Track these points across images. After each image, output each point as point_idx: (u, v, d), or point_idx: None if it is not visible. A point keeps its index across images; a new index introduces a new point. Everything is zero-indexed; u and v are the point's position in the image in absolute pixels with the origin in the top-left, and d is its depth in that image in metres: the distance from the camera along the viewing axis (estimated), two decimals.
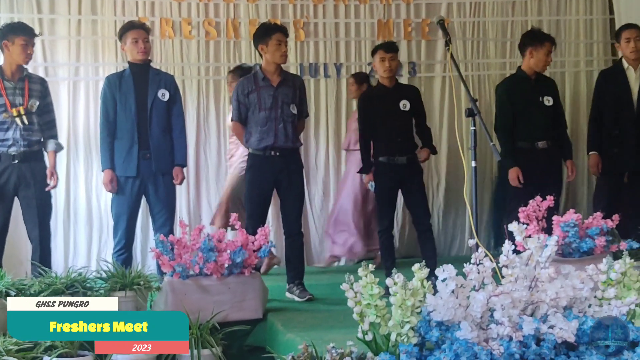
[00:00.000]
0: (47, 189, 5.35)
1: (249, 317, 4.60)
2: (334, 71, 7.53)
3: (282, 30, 5.43)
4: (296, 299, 5.24)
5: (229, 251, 4.56)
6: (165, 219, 5.33)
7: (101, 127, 5.38)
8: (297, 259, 5.35)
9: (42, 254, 5.30)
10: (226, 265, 4.54)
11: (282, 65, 5.44)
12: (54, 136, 5.49)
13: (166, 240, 4.53)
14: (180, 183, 5.51)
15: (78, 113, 6.90)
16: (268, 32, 5.35)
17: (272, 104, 5.30)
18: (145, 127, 5.28)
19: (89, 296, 4.46)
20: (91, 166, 6.81)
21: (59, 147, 5.57)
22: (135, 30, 5.39)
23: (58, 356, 4.01)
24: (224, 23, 7.30)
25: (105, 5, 7.05)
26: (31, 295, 4.38)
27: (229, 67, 7.14)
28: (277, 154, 5.31)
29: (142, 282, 4.49)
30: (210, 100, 7.23)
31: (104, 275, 4.63)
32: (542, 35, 5.89)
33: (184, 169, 5.63)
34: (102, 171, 5.35)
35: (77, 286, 4.42)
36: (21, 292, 4.37)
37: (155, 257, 4.55)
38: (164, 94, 5.35)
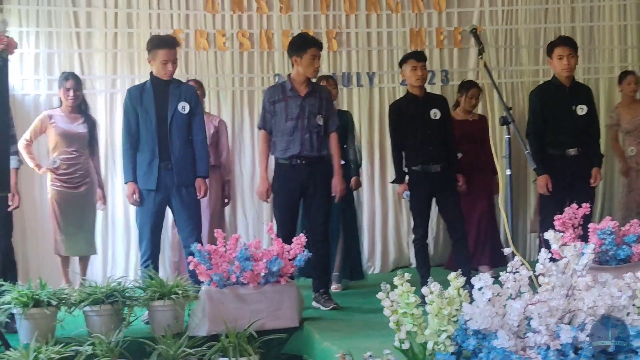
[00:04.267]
0: (9, 209, 5.16)
1: (285, 326, 4.62)
2: (366, 80, 7.56)
3: (318, 45, 5.45)
4: (321, 308, 5.25)
5: (265, 260, 4.58)
6: (191, 230, 5.27)
7: (123, 140, 5.34)
8: (322, 267, 5.34)
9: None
10: (262, 274, 4.57)
11: None
12: (15, 153, 5.22)
13: (203, 249, 4.56)
14: (204, 195, 5.41)
15: (115, 125, 7.00)
16: (304, 46, 5.37)
17: (299, 114, 5.33)
18: (166, 140, 5.24)
19: (128, 305, 4.55)
20: None
21: (19, 164, 5.40)
22: (167, 50, 5.25)
23: None
24: (258, 34, 7.38)
25: (141, 18, 7.17)
26: (72, 304, 4.47)
27: (263, 78, 7.21)
28: (303, 162, 5.33)
29: (180, 291, 4.53)
30: (244, 110, 7.31)
31: (142, 284, 4.67)
32: (552, 42, 5.87)
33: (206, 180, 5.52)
34: (125, 184, 5.34)
35: (116, 295, 4.48)
36: (62, 301, 4.45)
37: (192, 266, 4.57)
38: (184, 107, 5.30)
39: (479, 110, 7.62)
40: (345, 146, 6.14)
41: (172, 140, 5.25)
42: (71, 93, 6.06)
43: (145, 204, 5.25)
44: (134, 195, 5.24)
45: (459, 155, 5.99)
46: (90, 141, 6.23)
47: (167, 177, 5.24)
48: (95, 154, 6.32)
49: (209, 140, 5.90)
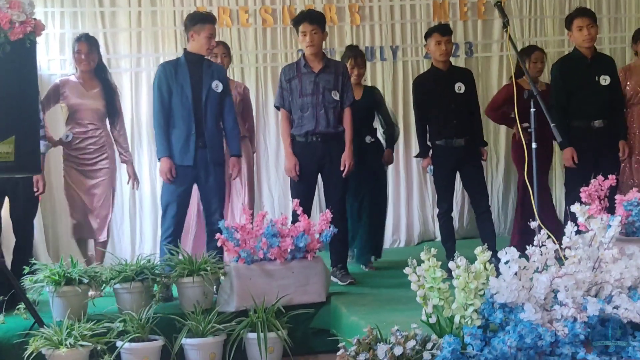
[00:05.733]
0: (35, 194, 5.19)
1: (312, 301, 4.66)
2: (390, 54, 7.53)
3: (307, 19, 5.37)
4: (339, 282, 5.27)
5: (292, 236, 4.62)
6: (216, 207, 5.25)
7: (156, 115, 5.22)
8: (340, 242, 5.30)
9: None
10: (289, 250, 4.61)
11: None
12: (43, 137, 5.14)
13: (231, 226, 4.60)
14: (238, 174, 5.40)
15: (140, 103, 7.05)
16: (296, 24, 5.42)
17: (313, 90, 5.33)
18: (200, 117, 5.20)
19: (158, 283, 4.61)
20: (154, 154, 6.91)
21: (47, 148, 5.42)
22: (212, 25, 5.26)
23: (130, 341, 4.16)
24: (280, 10, 7.36)
25: None
26: (103, 282, 4.54)
27: (286, 54, 7.20)
28: (319, 139, 5.33)
29: (209, 268, 4.57)
30: (268, 87, 7.31)
31: (171, 262, 4.72)
32: (570, 15, 5.79)
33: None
34: (159, 159, 5.25)
35: (146, 273, 4.55)
36: (93, 279, 4.52)
37: (220, 243, 4.62)
38: (217, 85, 5.27)
39: (504, 81, 7.60)
40: (373, 124, 6.09)
41: (207, 117, 5.22)
42: (84, 57, 5.50)
43: (179, 180, 5.17)
44: (170, 171, 5.13)
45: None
46: (109, 111, 5.62)
47: (201, 154, 5.19)
48: (117, 124, 5.70)
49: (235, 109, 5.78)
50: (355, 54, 6.06)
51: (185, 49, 5.35)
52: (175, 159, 5.17)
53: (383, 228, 6.39)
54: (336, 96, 5.36)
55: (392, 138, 6.22)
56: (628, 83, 6.23)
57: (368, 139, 5.96)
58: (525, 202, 5.69)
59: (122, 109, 5.86)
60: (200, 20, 5.27)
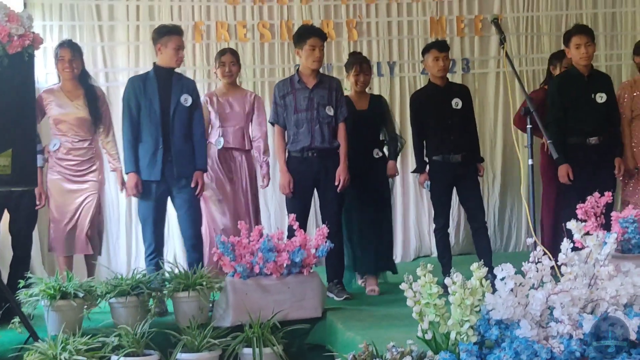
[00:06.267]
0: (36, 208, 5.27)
1: (308, 316, 4.65)
2: (387, 70, 7.56)
3: (318, 34, 5.42)
4: (335, 298, 5.25)
5: (288, 251, 4.62)
6: (191, 221, 5.27)
7: (125, 130, 5.20)
8: (336, 258, 5.29)
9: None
10: (285, 265, 4.60)
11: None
12: (41, 151, 5.22)
13: (227, 241, 4.60)
14: (201, 189, 5.29)
15: None
16: (303, 37, 5.38)
17: (307, 105, 5.33)
18: (167, 131, 5.18)
19: (153, 297, 4.60)
20: None
21: (44, 162, 5.37)
22: (179, 37, 5.27)
23: (125, 355, 4.14)
24: (278, 25, 7.40)
25: (163, 10, 7.22)
26: (99, 296, 4.53)
27: (284, 69, 7.22)
28: (315, 154, 5.33)
29: (204, 283, 4.57)
30: (266, 101, 7.24)
31: (167, 276, 4.72)
32: (569, 31, 5.80)
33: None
34: (126, 174, 5.22)
35: (142, 287, 4.54)
36: (89, 293, 4.51)
37: (216, 257, 4.62)
38: (186, 99, 5.25)
39: (501, 98, 7.64)
40: (383, 135, 5.87)
41: (174, 131, 5.20)
42: (67, 64, 5.37)
43: (148, 195, 5.17)
44: (137, 187, 5.13)
45: None
46: (94, 120, 5.43)
47: (168, 169, 5.18)
48: (104, 131, 5.53)
49: (244, 121, 5.76)
50: (361, 60, 5.85)
51: (154, 63, 5.35)
52: (142, 173, 5.16)
53: (392, 244, 6.08)
54: (330, 111, 5.36)
55: (395, 150, 5.98)
56: (635, 96, 6.03)
57: (376, 152, 5.76)
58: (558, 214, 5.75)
59: (110, 116, 5.64)
60: (167, 32, 5.27)
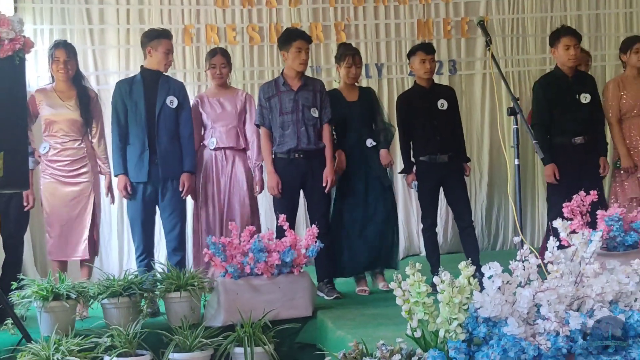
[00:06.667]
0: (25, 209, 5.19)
1: (299, 315, 4.65)
2: (375, 72, 7.58)
3: (304, 37, 5.43)
4: (325, 297, 5.26)
5: (278, 251, 4.61)
6: (174, 224, 5.27)
7: (113, 133, 5.25)
8: (326, 258, 5.27)
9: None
10: (276, 265, 4.60)
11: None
12: (31, 153, 5.10)
13: (218, 242, 4.59)
14: (187, 191, 5.28)
15: None
16: (289, 39, 5.38)
17: (293, 107, 5.33)
18: (153, 133, 5.19)
19: (145, 298, 4.59)
20: None
21: (35, 165, 5.28)
22: (168, 41, 5.31)
23: (117, 356, 4.13)
24: (267, 28, 7.40)
25: (153, 14, 7.21)
26: (91, 297, 4.52)
27: (273, 71, 7.22)
28: (302, 156, 5.34)
29: (196, 283, 4.57)
30: (255, 103, 7.28)
31: (159, 277, 4.71)
32: (557, 32, 5.80)
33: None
34: (115, 176, 5.25)
35: (134, 288, 4.53)
36: (81, 294, 4.49)
37: (208, 258, 4.61)
38: (172, 101, 5.26)
39: (487, 99, 7.65)
40: (373, 126, 5.70)
41: (159, 133, 5.21)
42: (62, 65, 5.23)
43: (137, 196, 5.21)
44: (126, 189, 5.17)
45: None
46: (85, 121, 5.29)
47: (154, 170, 5.19)
48: (94, 133, 5.36)
49: (236, 120, 5.65)
50: (353, 52, 5.65)
51: (142, 66, 5.36)
52: (130, 175, 5.19)
53: (396, 237, 5.81)
54: (315, 113, 5.38)
55: (386, 138, 5.74)
56: (624, 96, 6.02)
57: (369, 142, 5.58)
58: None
59: (102, 119, 5.46)
60: (157, 36, 5.29)
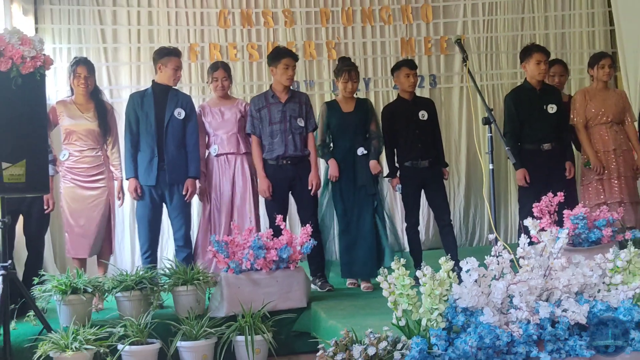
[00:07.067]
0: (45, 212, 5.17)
1: (295, 306, 4.64)
2: (362, 85, 7.55)
3: (291, 55, 5.45)
4: (319, 289, 5.27)
5: (276, 248, 4.61)
6: (181, 224, 5.27)
7: (125, 140, 5.27)
8: (317, 254, 5.29)
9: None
10: (274, 260, 4.60)
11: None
12: (51, 161, 5.05)
13: (221, 240, 4.59)
14: (191, 195, 5.27)
15: None
16: (278, 57, 5.40)
17: (281, 118, 5.35)
18: (162, 141, 5.21)
19: (155, 292, 4.58)
20: None
21: (54, 172, 5.24)
22: (178, 59, 5.33)
23: (130, 344, 4.12)
24: (265, 46, 7.40)
25: (161, 33, 7.21)
26: (106, 291, 4.50)
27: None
28: (289, 162, 5.36)
29: (201, 278, 4.56)
30: None
31: (167, 272, 4.70)
32: (529, 48, 5.80)
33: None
34: (127, 179, 5.25)
35: (145, 282, 4.51)
36: (97, 288, 4.48)
37: (212, 255, 4.61)
38: (180, 113, 5.26)
39: (464, 110, 7.65)
40: (367, 135, 5.60)
41: (167, 142, 5.22)
42: (83, 80, 5.22)
43: (145, 198, 5.22)
44: (136, 191, 5.18)
45: None
46: (103, 131, 5.28)
47: (162, 175, 5.20)
48: (110, 143, 5.36)
49: (236, 127, 5.56)
50: (350, 67, 5.57)
51: (153, 80, 5.37)
52: (140, 179, 5.21)
53: (385, 240, 5.67)
54: (301, 123, 5.40)
55: (377, 149, 5.60)
56: (590, 105, 5.93)
57: (360, 151, 5.50)
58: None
59: (117, 130, 5.44)
60: (167, 53, 5.30)
